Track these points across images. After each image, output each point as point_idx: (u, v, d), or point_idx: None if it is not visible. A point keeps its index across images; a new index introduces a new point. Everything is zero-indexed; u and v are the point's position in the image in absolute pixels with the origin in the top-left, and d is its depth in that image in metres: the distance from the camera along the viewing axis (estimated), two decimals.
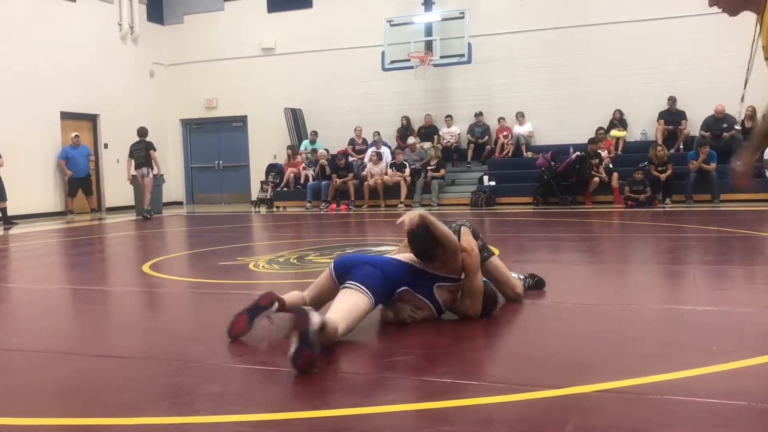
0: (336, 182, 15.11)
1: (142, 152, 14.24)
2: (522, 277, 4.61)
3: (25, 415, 2.67)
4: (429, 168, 14.86)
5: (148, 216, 13.84)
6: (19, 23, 14.54)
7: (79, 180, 15.26)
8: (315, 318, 2.97)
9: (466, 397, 2.69)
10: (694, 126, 14.23)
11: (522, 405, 2.62)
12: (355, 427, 2.43)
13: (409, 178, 14.75)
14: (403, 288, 3.67)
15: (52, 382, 3.14)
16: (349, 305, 3.40)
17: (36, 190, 14.90)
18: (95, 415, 2.64)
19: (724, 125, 13.60)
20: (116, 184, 16.72)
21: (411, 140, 15.82)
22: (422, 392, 2.77)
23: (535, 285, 4.64)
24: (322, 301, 3.72)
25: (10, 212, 13.20)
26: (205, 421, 2.56)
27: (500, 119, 15.66)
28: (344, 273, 3.61)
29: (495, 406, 2.64)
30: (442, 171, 14.96)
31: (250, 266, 6.52)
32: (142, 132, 14.42)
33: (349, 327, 3.36)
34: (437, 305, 3.75)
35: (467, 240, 3.82)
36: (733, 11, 2.57)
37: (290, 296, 3.73)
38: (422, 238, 3.67)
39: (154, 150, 14.40)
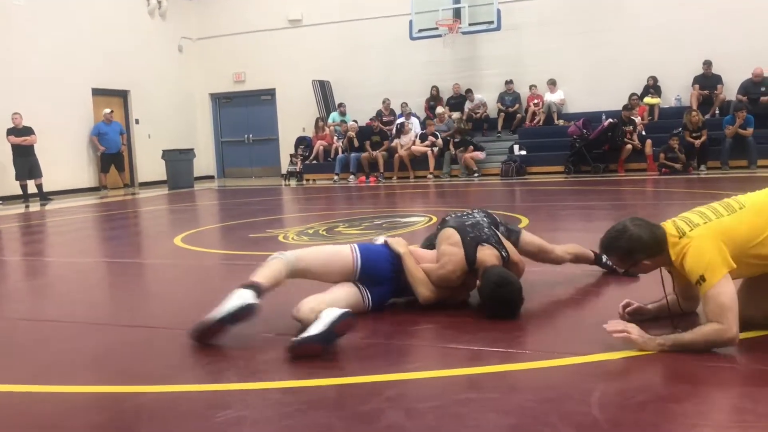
0: (372, 154, 14.98)
1: None
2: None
3: (59, 383, 2.73)
4: (455, 140, 14.60)
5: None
6: (48, 1, 14.65)
7: (112, 156, 15.48)
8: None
9: (493, 364, 2.68)
10: (730, 90, 13.86)
11: (549, 372, 2.60)
12: (382, 394, 2.44)
13: (436, 149, 14.62)
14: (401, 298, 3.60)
15: (85, 351, 3.21)
16: (345, 296, 3.35)
17: (70, 166, 15.15)
18: (126, 383, 2.69)
19: (762, 89, 13.23)
20: (148, 160, 16.92)
21: (440, 110, 15.66)
22: (449, 359, 2.77)
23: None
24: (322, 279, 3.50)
25: (45, 188, 13.46)
26: (233, 389, 2.59)
27: (532, 87, 15.42)
28: (367, 279, 3.45)
29: (522, 372, 2.63)
30: (478, 154, 14.37)
31: (280, 238, 6.56)
32: None
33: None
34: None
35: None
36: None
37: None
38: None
39: None
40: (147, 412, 2.42)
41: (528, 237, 3.93)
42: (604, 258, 4.07)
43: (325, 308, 3.06)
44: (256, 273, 3.24)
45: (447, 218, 3.86)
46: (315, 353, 2.82)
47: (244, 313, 3.02)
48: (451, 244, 3.50)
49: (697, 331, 2.64)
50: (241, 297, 3.05)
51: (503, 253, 3.52)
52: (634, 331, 2.70)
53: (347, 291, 3.40)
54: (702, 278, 2.63)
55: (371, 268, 3.44)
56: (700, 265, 2.64)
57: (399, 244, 3.55)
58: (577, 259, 4.13)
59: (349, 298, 3.36)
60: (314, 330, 2.84)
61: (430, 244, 3.86)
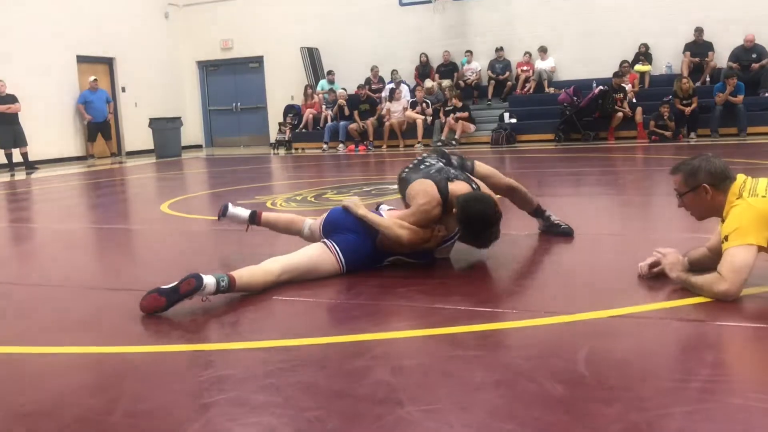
0: (360, 126, 14.82)
1: None
2: (560, 222, 4.29)
3: (43, 344, 2.70)
4: (447, 108, 14.45)
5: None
6: None
7: (99, 124, 15.25)
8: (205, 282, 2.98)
9: (480, 323, 2.67)
10: (721, 57, 13.78)
11: (537, 330, 2.59)
12: (368, 352, 2.43)
13: (429, 118, 14.50)
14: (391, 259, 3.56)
15: (70, 314, 3.18)
16: (305, 259, 3.36)
17: (55, 135, 14.93)
18: (110, 344, 2.66)
19: (753, 55, 13.16)
20: (135, 128, 16.73)
21: (428, 83, 15.45)
22: (436, 319, 2.75)
23: (563, 231, 4.25)
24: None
25: (30, 157, 13.28)
26: (219, 348, 2.58)
27: (526, 53, 15.26)
28: (331, 231, 3.53)
29: (509, 331, 2.62)
30: (472, 126, 14.24)
31: (268, 204, 6.51)
32: None
33: (292, 276, 3.29)
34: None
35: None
36: (699, 218, 3.04)
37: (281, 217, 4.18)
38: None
39: None
40: (131, 371, 2.40)
41: (482, 165, 4.05)
42: (549, 213, 4.24)
43: (285, 262, 3.28)
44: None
45: (404, 174, 3.82)
46: (159, 306, 2.90)
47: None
48: (421, 184, 3.54)
49: (700, 277, 2.80)
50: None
51: (473, 186, 3.62)
52: (669, 255, 3.01)
53: (315, 246, 3.47)
54: (726, 238, 2.73)
55: (332, 221, 3.57)
56: (732, 226, 2.73)
57: (357, 206, 3.49)
58: (523, 200, 4.16)
59: (315, 252, 3.40)
60: (165, 285, 2.95)
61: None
